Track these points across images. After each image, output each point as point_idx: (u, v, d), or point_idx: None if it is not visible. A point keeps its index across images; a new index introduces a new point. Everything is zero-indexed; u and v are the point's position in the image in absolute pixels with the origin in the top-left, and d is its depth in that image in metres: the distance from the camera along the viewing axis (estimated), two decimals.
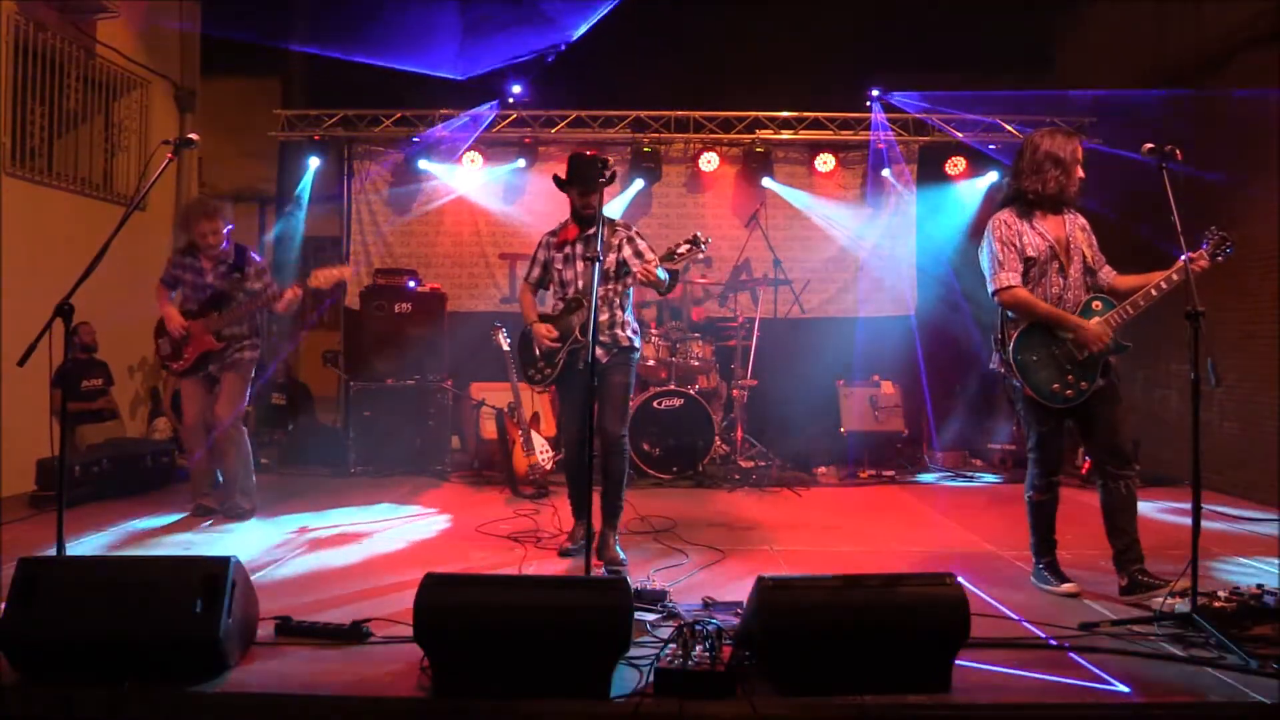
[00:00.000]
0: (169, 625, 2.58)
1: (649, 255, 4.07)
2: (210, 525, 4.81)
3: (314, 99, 8.16)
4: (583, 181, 4.01)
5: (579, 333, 4.05)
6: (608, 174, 3.66)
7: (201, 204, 5.13)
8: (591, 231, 4.04)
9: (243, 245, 4.96)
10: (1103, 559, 3.72)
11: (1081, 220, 3.64)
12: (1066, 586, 3.56)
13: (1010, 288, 3.48)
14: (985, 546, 4.48)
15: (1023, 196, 3.54)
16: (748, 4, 8.12)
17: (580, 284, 4.12)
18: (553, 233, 4.27)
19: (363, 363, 7.01)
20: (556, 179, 4.19)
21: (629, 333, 4.14)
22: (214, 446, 4.90)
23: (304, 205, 8.03)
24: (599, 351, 3.92)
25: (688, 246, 3.96)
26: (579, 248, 4.12)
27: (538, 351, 4.18)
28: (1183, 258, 3.31)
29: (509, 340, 5.87)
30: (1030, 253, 3.49)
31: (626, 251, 4.10)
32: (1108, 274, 3.64)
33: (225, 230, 4.85)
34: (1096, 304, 3.51)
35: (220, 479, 5.04)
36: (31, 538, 4.32)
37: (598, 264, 3.49)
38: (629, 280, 4.07)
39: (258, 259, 4.97)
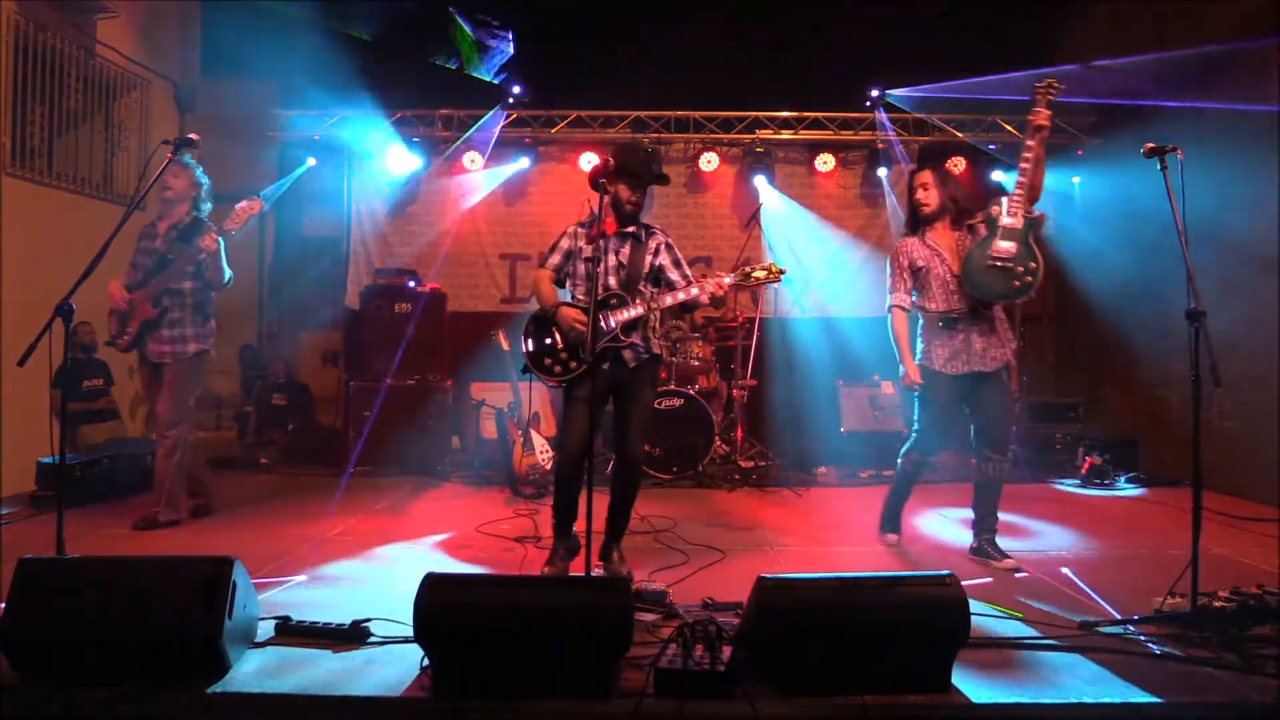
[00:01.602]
0: (169, 625, 2.58)
1: (685, 268, 3.88)
2: (207, 525, 4.81)
3: (314, 99, 8.16)
4: (637, 175, 3.76)
5: (620, 331, 3.70)
6: (660, 172, 3.60)
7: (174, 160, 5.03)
8: (632, 229, 3.84)
9: (202, 220, 4.69)
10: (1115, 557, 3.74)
11: (980, 234, 4.09)
12: (1008, 562, 3.95)
13: (895, 308, 4.20)
14: None
15: (907, 222, 4.36)
16: (748, 4, 8.12)
17: (611, 280, 3.77)
18: (583, 224, 3.91)
19: (363, 363, 7.02)
20: (607, 168, 3.77)
21: (658, 338, 3.90)
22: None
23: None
24: (627, 354, 3.75)
25: (765, 273, 3.64)
26: (613, 243, 3.80)
27: (560, 342, 3.78)
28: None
29: (510, 340, 5.86)
30: (920, 263, 4.16)
31: (664, 259, 3.85)
32: None
33: (187, 192, 4.68)
34: (995, 208, 3.95)
35: (204, 477, 4.99)
36: (31, 538, 4.32)
37: (597, 266, 3.49)
38: (676, 294, 3.76)
39: (213, 234, 4.56)
